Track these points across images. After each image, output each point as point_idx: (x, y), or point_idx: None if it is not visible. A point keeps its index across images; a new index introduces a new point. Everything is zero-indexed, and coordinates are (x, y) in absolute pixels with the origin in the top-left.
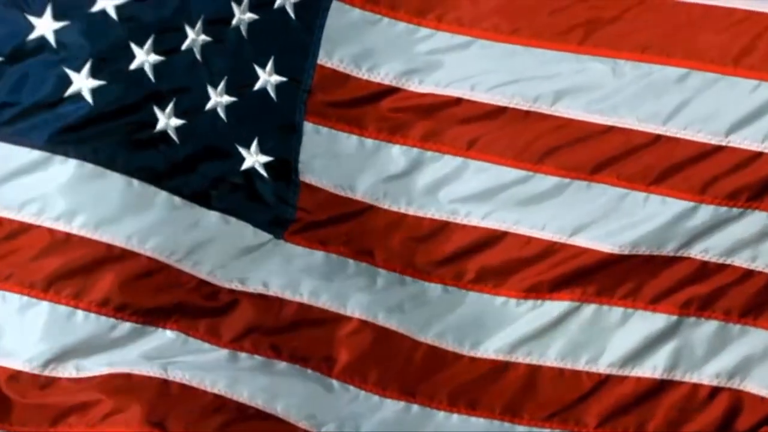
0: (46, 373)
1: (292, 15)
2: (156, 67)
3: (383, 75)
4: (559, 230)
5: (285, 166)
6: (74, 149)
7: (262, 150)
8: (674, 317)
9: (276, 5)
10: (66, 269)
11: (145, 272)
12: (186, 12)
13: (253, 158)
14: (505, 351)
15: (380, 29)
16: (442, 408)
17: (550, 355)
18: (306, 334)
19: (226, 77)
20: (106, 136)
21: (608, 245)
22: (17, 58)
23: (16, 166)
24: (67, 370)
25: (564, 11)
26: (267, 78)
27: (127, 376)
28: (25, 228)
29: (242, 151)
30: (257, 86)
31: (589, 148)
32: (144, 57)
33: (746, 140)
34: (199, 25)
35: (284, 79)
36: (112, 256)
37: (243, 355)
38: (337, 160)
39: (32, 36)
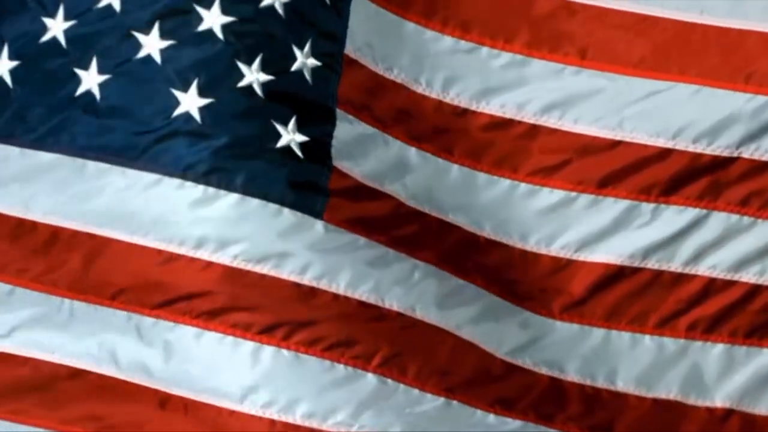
0: None
1: None
2: (165, 51)
3: (396, 73)
4: (565, 246)
5: (321, 147)
6: (80, 149)
7: (300, 129)
8: (681, 341)
9: None
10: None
11: (158, 263)
12: None
13: (290, 136)
14: (529, 361)
15: (393, 27)
16: (480, 407)
17: (569, 372)
18: (341, 326)
19: (261, 54)
20: (112, 133)
21: (617, 257)
22: (34, 60)
23: (32, 169)
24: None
25: (573, 25)
26: (304, 60)
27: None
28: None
29: (279, 127)
30: (294, 67)
31: (597, 162)
32: (151, 44)
33: (758, 151)
34: (216, 5)
35: (319, 63)
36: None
37: (269, 349)
38: (365, 152)
39: (45, 38)
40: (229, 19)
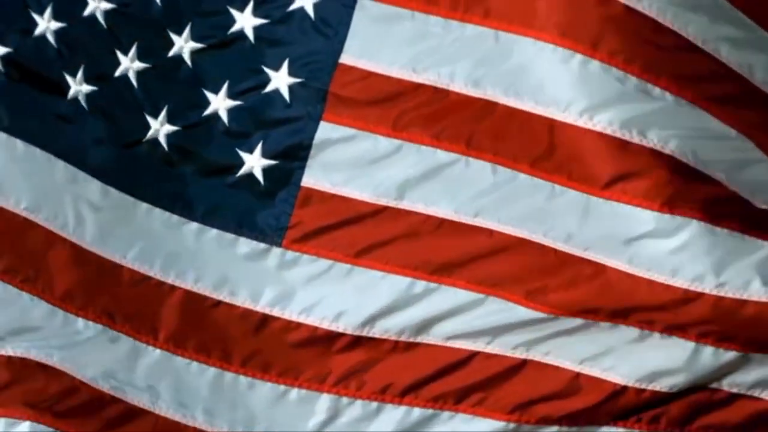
0: None
1: (312, 15)
2: (140, 74)
3: (406, 70)
4: (578, 243)
5: (288, 169)
6: (61, 153)
7: (265, 154)
8: (691, 344)
9: (291, 7)
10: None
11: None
12: (169, 20)
13: (254, 162)
14: (522, 348)
15: (407, 23)
16: (446, 408)
17: (569, 358)
18: (294, 353)
19: (227, 82)
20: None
21: (624, 265)
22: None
23: None
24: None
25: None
26: (280, 79)
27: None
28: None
29: (243, 155)
30: (268, 89)
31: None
32: (128, 64)
33: None
34: (186, 32)
35: (300, 80)
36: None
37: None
38: (352, 160)
39: (35, 33)
40: (197, 45)
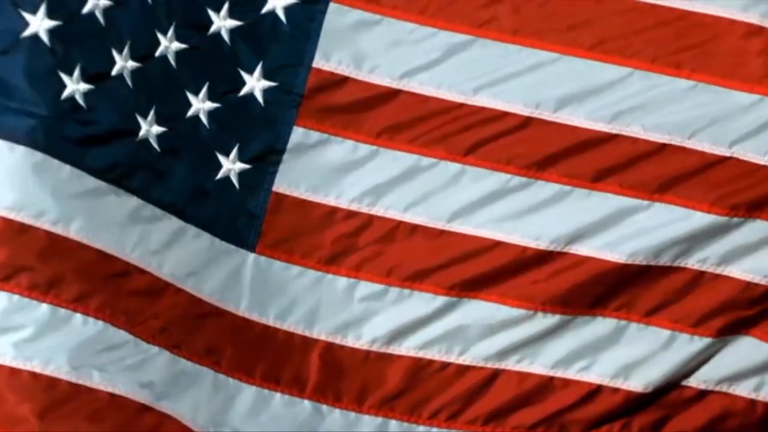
0: None
1: (284, 19)
2: (134, 73)
3: (383, 77)
4: (556, 239)
5: (261, 174)
6: (52, 151)
7: (241, 157)
8: (666, 332)
9: (264, 11)
10: None
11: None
12: (156, 19)
13: (230, 166)
14: (493, 358)
15: (380, 30)
16: (421, 422)
17: (541, 363)
18: (274, 358)
19: (207, 83)
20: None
21: (609, 254)
22: (10, 54)
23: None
24: None
25: (573, 14)
26: (255, 83)
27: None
28: None
29: (221, 158)
30: (243, 92)
31: (591, 156)
32: (122, 63)
33: (749, 153)
34: (171, 32)
35: (274, 83)
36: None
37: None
38: (325, 166)
39: (26, 33)
40: (180, 45)
